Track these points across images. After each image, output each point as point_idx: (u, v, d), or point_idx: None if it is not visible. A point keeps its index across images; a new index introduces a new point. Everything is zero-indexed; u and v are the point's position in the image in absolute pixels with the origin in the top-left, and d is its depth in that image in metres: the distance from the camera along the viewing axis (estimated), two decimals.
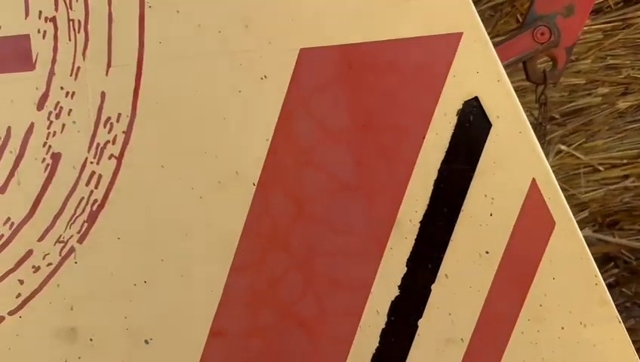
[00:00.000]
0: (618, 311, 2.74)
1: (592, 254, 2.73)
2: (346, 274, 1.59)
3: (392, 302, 1.57)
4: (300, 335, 1.60)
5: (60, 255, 1.63)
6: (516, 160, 1.51)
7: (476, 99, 1.51)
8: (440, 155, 1.53)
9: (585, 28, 2.18)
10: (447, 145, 1.52)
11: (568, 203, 2.74)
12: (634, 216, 2.63)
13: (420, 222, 1.55)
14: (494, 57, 1.49)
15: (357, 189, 1.57)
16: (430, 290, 1.56)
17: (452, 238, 1.54)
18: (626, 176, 2.64)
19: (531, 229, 1.52)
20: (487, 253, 1.53)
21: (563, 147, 2.51)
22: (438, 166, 1.54)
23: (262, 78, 1.55)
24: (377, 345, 1.59)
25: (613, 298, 2.76)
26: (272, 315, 1.60)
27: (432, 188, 1.54)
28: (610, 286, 2.61)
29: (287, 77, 1.54)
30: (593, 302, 1.51)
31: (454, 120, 1.52)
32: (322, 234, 1.58)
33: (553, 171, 2.69)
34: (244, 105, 1.56)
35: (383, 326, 1.58)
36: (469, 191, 1.53)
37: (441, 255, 1.55)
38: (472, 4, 1.50)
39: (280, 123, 1.55)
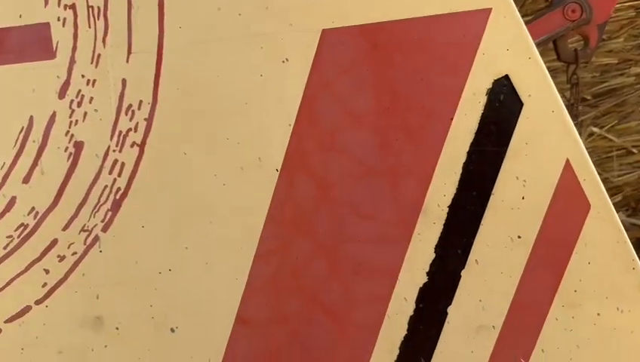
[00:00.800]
0: None
1: None
2: (372, 260, 1.18)
3: (420, 288, 1.16)
4: (326, 323, 1.18)
5: (85, 244, 1.27)
6: (549, 140, 1.09)
7: (507, 77, 1.10)
8: (469, 137, 1.11)
9: (617, 5, 1.63)
10: (477, 126, 1.11)
11: None
12: None
13: (449, 207, 1.14)
14: (525, 33, 1.07)
15: (383, 173, 1.15)
16: (460, 276, 1.15)
17: (482, 223, 1.13)
18: None
19: (565, 212, 1.10)
20: (519, 237, 1.11)
21: (595, 129, 1.98)
22: (467, 148, 1.12)
23: (283, 62, 1.14)
24: (405, 332, 1.17)
25: None
26: (297, 303, 1.19)
27: (460, 171, 1.13)
28: None
29: (309, 59, 1.13)
30: (631, 287, 1.09)
31: (484, 99, 1.10)
32: (347, 220, 1.17)
33: None
34: (266, 90, 1.15)
35: (411, 313, 1.17)
36: (499, 174, 1.11)
37: (471, 240, 1.14)
38: None
39: (303, 107, 1.14)
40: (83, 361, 1.36)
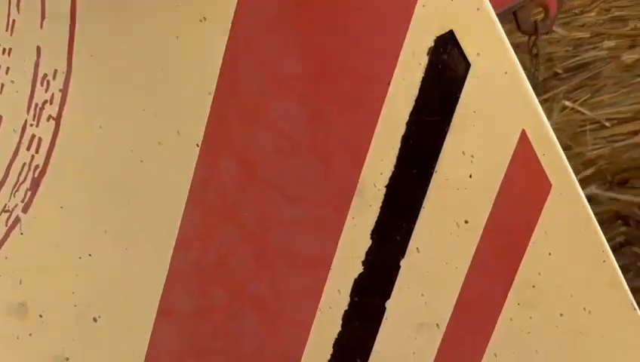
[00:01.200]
0: (628, 270, 1.90)
1: (602, 213, 1.92)
2: (302, 248, 0.87)
3: (356, 280, 0.84)
4: (255, 318, 0.87)
5: (6, 225, 1.05)
6: (501, 108, 0.74)
7: (451, 33, 0.74)
8: (409, 105, 0.79)
9: None
10: (417, 92, 0.76)
11: (574, 161, 1.92)
12: None
13: (386, 187, 0.82)
14: None
15: (312, 149, 0.83)
16: (399, 267, 0.82)
17: (424, 205, 0.80)
18: (636, 132, 1.86)
19: (521, 193, 0.75)
20: (466, 222, 0.79)
21: (568, 103, 1.77)
22: (406, 118, 0.78)
23: (201, 21, 0.81)
24: (339, 329, 0.84)
25: (621, 258, 1.96)
26: (223, 294, 0.89)
27: (399, 145, 0.80)
28: (620, 246, 1.76)
29: (228, 18, 0.80)
30: (600, 284, 0.74)
31: (425, 60, 0.76)
32: (275, 203, 0.85)
33: (558, 129, 1.88)
34: (183, 54, 0.85)
35: (346, 307, 0.86)
36: (443, 148, 0.77)
37: (412, 225, 0.81)
38: None
39: (223, 73, 0.84)
40: (8, 349, 1.08)
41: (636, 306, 0.86)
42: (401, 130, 0.93)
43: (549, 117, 1.93)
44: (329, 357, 1.01)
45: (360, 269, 0.98)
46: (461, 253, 0.93)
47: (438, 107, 0.92)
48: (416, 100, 0.92)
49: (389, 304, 0.98)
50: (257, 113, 0.99)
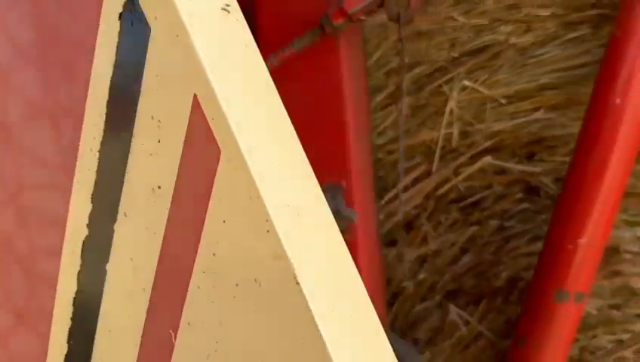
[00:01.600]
0: (538, 237, 1.87)
1: (513, 184, 1.94)
2: (48, 209, 0.90)
3: (83, 242, 0.87)
4: (19, 274, 0.94)
5: None
6: (176, 72, 0.74)
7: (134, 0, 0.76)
8: (109, 72, 0.79)
9: None
10: (114, 57, 0.78)
11: (478, 136, 1.88)
12: (550, 147, 1.90)
13: (99, 152, 0.82)
14: None
15: (45, 114, 0.87)
16: (113, 231, 0.83)
17: (127, 170, 0.80)
18: (534, 110, 1.87)
19: (199, 159, 0.75)
20: (159, 187, 0.79)
21: (468, 83, 1.80)
22: (108, 84, 0.79)
23: None
24: (76, 288, 0.88)
25: (533, 227, 1.87)
26: None
27: (105, 110, 0.81)
28: (532, 214, 1.94)
29: None
30: (266, 255, 0.71)
31: (117, 26, 0.77)
32: (27, 165, 0.90)
33: (461, 107, 1.84)
34: None
35: (79, 268, 0.88)
36: (137, 113, 0.78)
37: (119, 190, 0.81)
38: None
39: None
40: None
41: (299, 280, 0.82)
42: (105, 96, 0.95)
43: (451, 96, 1.85)
44: (71, 315, 1.05)
45: (86, 232, 1.01)
46: (157, 219, 0.93)
47: (131, 72, 0.92)
48: (114, 65, 0.93)
49: (108, 267, 1.00)
50: (7, 79, 1.05)
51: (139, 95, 0.91)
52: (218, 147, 0.85)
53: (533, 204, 1.99)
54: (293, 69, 1.57)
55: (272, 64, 1.43)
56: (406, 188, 2.01)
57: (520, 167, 1.92)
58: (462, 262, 2.20)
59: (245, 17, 0.87)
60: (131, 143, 0.93)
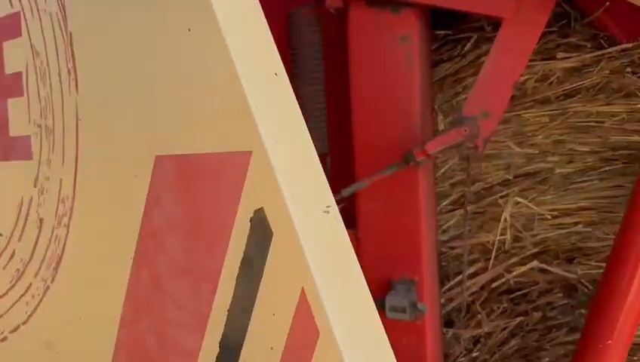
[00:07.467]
0: (576, 328, 2.08)
1: (556, 283, 2.15)
2: (182, 341, 1.21)
3: None
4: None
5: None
6: (288, 269, 1.03)
7: (262, 209, 1.06)
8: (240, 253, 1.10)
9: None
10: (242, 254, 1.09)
11: (526, 242, 2.14)
12: (587, 255, 2.19)
13: (228, 311, 1.13)
14: (274, 176, 1.03)
15: (189, 273, 1.18)
16: None
17: (249, 329, 1.10)
18: (574, 224, 2.18)
19: (301, 334, 1.03)
20: (271, 349, 1.07)
21: (520, 199, 2.15)
22: (238, 264, 1.10)
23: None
24: None
25: (573, 319, 2.17)
26: None
27: (234, 284, 1.11)
28: (572, 308, 2.23)
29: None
30: None
31: (248, 227, 1.08)
32: (170, 307, 1.22)
33: (513, 218, 2.13)
34: None
35: None
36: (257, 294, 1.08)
37: (241, 345, 1.12)
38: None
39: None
40: None
41: None
42: (237, 271, 1.23)
43: (505, 208, 2.15)
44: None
45: None
46: None
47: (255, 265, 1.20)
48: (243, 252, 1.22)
49: None
50: (162, 240, 1.34)
51: (260, 280, 1.18)
52: (318, 330, 1.11)
53: (572, 300, 2.21)
54: (381, 188, 1.79)
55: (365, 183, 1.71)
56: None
57: (562, 269, 2.15)
58: (509, 344, 2.40)
59: None
60: (253, 308, 1.20)
